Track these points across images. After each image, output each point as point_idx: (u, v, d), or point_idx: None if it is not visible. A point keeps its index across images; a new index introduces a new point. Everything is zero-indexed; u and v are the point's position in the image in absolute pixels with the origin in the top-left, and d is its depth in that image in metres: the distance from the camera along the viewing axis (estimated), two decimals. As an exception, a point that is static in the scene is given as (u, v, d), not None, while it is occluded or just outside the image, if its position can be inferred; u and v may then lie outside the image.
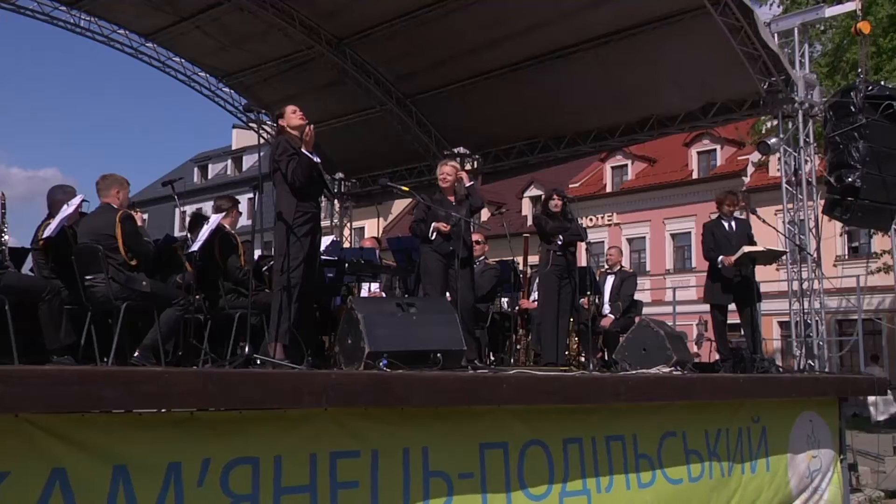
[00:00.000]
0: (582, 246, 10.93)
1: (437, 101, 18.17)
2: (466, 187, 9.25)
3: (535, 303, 11.29)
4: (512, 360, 11.28)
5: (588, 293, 11.37)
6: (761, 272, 11.52)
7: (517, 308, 11.89)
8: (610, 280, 12.33)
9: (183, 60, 18.90)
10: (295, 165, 7.57)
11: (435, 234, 8.96)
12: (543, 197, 11.20)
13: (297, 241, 7.54)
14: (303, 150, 7.66)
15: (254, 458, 5.45)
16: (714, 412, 8.85)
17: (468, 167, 18.83)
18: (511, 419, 6.95)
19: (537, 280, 11.18)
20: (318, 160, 7.84)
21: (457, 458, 6.54)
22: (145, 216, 9.59)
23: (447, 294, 8.87)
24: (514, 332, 11.72)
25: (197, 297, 8.01)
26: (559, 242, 10.47)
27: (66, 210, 7.39)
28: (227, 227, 8.72)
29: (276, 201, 7.69)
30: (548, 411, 7.20)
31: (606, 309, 12.13)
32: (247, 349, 7.02)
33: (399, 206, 43.91)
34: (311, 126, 7.81)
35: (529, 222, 41.19)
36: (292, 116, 7.90)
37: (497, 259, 12.33)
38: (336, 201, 21.25)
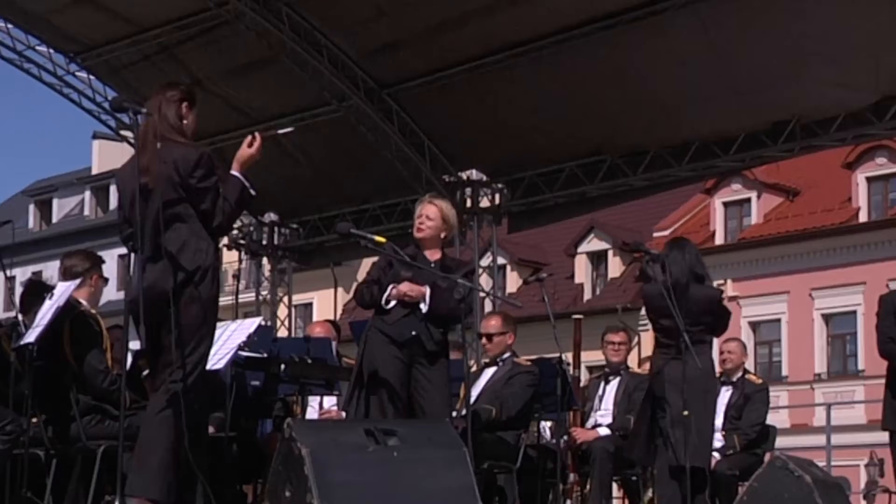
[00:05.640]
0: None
1: (433, 95, 18.33)
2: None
3: (598, 429, 11.30)
4: (559, 527, 11.30)
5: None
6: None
7: (566, 439, 11.90)
8: (726, 394, 12.33)
9: (11, 26, 19.08)
10: (234, 196, 7.61)
11: (393, 303, 9.01)
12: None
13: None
14: (234, 170, 7.70)
15: None
16: None
17: (485, 203, 18.84)
18: None
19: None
20: (254, 192, 7.83)
21: None
22: (-52, 285, 9.66)
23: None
24: (560, 479, 11.73)
25: (34, 419, 8.03)
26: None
27: None
28: (84, 303, 8.76)
29: (178, 253, 7.45)
30: None
31: (718, 441, 12.14)
32: (116, 506, 7.04)
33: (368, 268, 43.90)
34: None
35: (588, 295, 40.84)
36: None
37: (533, 356, 12.33)
38: (266, 260, 21.31)
